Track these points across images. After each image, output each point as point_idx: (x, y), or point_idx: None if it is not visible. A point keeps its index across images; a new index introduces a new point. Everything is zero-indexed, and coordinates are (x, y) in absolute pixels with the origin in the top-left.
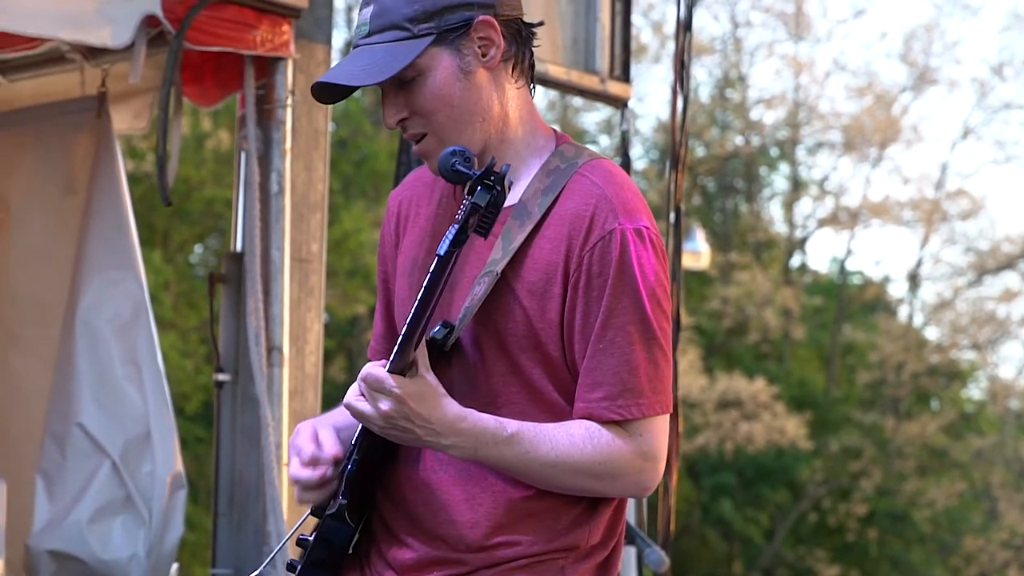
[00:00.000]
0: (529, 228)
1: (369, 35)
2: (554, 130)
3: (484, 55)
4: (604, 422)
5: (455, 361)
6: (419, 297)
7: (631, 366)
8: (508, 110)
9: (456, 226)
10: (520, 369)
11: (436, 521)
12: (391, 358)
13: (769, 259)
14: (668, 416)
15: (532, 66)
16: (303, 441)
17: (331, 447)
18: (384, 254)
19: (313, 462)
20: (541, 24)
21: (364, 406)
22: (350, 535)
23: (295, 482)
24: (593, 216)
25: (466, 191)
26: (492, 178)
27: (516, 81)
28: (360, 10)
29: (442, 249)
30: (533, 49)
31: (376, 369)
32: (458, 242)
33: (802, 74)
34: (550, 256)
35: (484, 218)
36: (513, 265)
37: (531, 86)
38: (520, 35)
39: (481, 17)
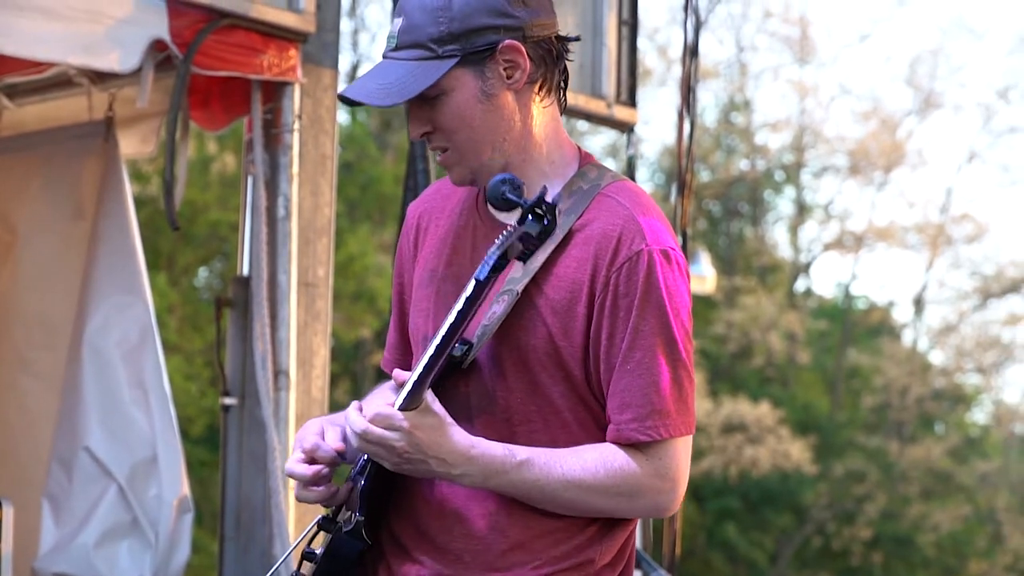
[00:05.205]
0: (551, 248)
1: (397, 48)
2: (579, 148)
3: (509, 78)
4: (631, 443)
5: (473, 378)
6: (450, 322)
7: (658, 387)
8: (532, 129)
9: (497, 251)
10: (540, 387)
11: (451, 535)
12: (403, 396)
13: (774, 283)
14: (690, 438)
15: (564, 83)
16: (308, 435)
17: (334, 442)
18: (401, 265)
19: (312, 452)
20: (577, 39)
21: (373, 448)
22: (360, 549)
23: (290, 475)
24: (620, 237)
25: (516, 219)
26: (543, 208)
27: (543, 100)
28: (392, 19)
29: (481, 274)
30: (567, 63)
31: (383, 408)
32: (498, 268)
33: (807, 98)
34: (575, 275)
35: (529, 247)
36: (536, 283)
37: (562, 103)
38: (551, 55)
39: (507, 41)
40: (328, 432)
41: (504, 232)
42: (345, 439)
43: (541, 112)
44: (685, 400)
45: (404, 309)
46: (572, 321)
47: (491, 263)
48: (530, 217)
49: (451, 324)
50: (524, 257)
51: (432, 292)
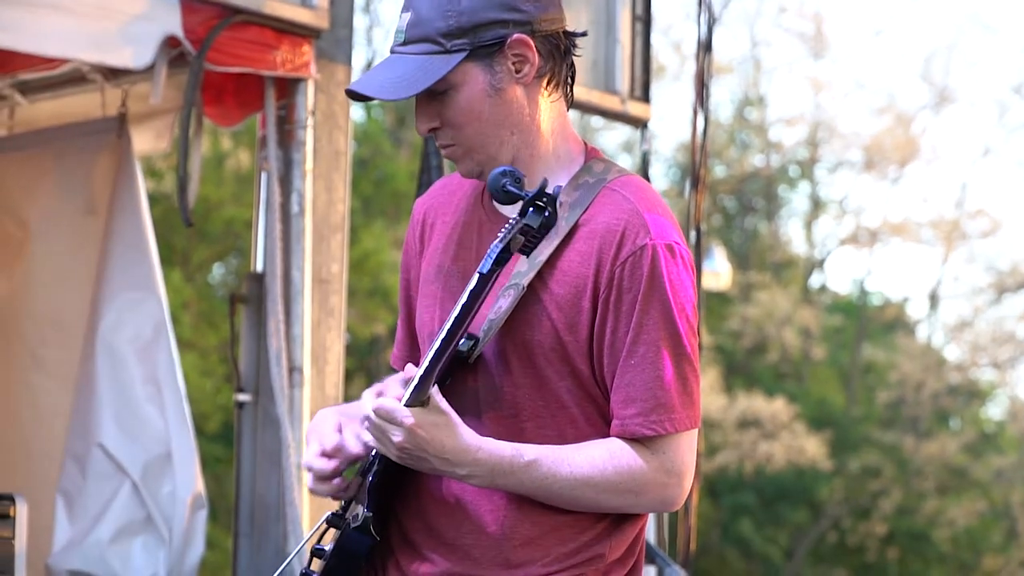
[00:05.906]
0: (556, 242)
1: (405, 43)
2: (585, 143)
3: (518, 72)
4: (636, 439)
5: (480, 373)
6: (455, 315)
7: (662, 381)
8: (540, 123)
9: (500, 244)
10: (547, 382)
11: (461, 532)
12: (410, 391)
13: (789, 279)
14: (695, 432)
15: (571, 78)
16: (327, 430)
17: (354, 446)
18: (408, 261)
19: (335, 452)
20: (584, 35)
21: (376, 440)
22: (369, 545)
23: (308, 469)
24: (624, 231)
25: (517, 212)
26: (544, 200)
27: (551, 95)
28: (400, 14)
29: (484, 267)
30: (574, 58)
31: (387, 401)
32: (501, 261)
33: (821, 93)
34: (580, 270)
35: (531, 239)
36: (541, 277)
37: (569, 98)
38: (559, 49)
39: (516, 35)
40: (346, 430)
41: (506, 225)
42: (363, 440)
43: (549, 106)
44: (690, 394)
45: (411, 305)
46: (577, 316)
47: (494, 256)
48: (531, 209)
49: (456, 318)
50: (526, 250)
51: (439, 288)
